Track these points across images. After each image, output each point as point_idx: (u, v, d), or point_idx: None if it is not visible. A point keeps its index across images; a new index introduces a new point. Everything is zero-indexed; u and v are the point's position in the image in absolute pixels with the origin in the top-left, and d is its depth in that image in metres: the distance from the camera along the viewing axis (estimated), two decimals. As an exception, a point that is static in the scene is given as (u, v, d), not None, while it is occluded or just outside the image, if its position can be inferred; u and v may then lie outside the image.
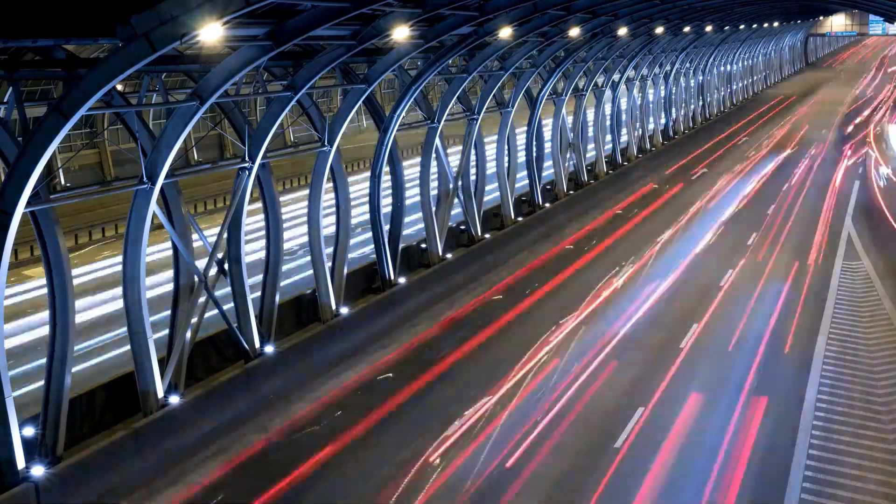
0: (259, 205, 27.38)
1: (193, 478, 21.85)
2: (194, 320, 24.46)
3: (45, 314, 22.56)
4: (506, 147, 44.20)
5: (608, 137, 61.18)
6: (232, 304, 26.14)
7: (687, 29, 60.50)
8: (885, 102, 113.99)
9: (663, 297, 35.46)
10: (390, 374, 28.11)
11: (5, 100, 24.73)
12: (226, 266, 25.87)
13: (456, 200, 38.55)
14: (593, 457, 22.60)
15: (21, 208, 18.44)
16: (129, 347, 22.48)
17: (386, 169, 33.44)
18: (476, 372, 28.26)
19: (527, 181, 47.69)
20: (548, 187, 50.85)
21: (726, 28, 74.35)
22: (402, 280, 33.76)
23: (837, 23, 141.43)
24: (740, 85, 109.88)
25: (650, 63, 66.83)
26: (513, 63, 40.89)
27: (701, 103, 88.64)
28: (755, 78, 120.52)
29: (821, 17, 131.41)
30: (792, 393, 26.07)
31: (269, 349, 26.69)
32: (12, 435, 19.02)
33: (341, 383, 27.25)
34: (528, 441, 23.37)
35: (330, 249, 30.47)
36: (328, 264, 29.97)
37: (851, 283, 36.39)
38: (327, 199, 30.38)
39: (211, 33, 18.66)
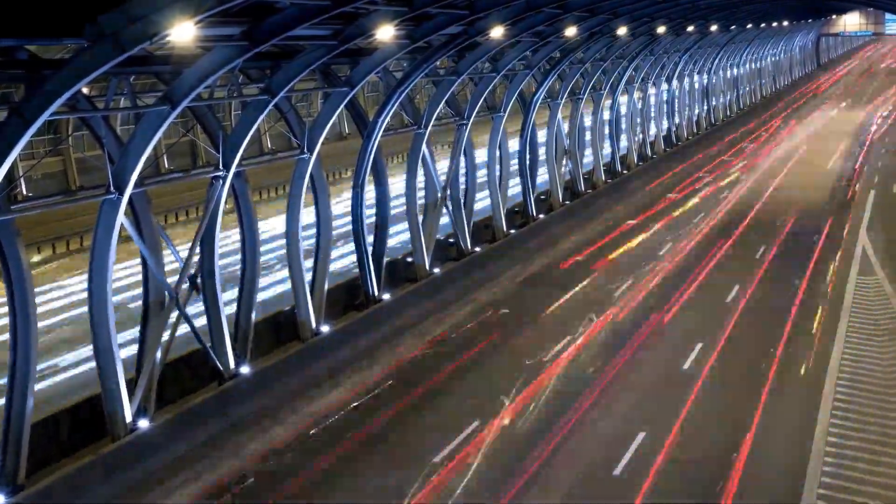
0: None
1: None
2: (165, 339, 24.53)
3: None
4: (497, 154, 44.34)
5: (606, 144, 61.59)
6: (205, 322, 26.23)
7: (690, 28, 60.89)
8: None
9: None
10: (373, 397, 28.16)
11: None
12: (198, 281, 25.94)
13: (444, 211, 38.74)
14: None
15: (-20, 219, 18.56)
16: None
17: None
18: (465, 393, 28.34)
19: (520, 190, 47.85)
20: (542, 197, 51.04)
21: (732, 28, 74.80)
22: (386, 296, 33.86)
23: (851, 22, 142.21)
24: (748, 88, 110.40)
25: (651, 64, 67.18)
26: (505, 64, 41.08)
27: (706, 107, 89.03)
28: (763, 81, 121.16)
29: (833, 16, 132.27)
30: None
31: (244, 370, 26.74)
32: (-30, 461, 19.09)
33: (321, 406, 27.28)
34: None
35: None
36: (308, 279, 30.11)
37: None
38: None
39: (183, 33, 18.80)
